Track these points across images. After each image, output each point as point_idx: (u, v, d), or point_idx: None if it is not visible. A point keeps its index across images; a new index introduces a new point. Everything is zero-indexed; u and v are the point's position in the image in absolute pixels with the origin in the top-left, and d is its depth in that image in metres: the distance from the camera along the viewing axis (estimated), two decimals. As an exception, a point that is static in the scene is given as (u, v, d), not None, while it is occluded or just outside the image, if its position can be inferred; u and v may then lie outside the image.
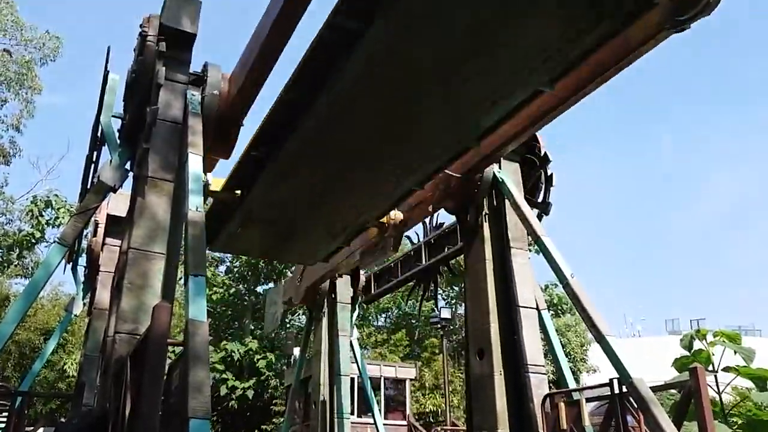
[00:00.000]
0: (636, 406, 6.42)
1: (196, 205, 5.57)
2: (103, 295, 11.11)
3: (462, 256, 9.33)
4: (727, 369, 8.04)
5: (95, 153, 8.67)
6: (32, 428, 12.02)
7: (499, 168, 8.45)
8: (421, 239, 12.26)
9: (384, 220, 10.03)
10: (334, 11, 5.55)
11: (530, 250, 8.64)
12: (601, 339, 6.69)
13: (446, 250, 11.18)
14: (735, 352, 7.89)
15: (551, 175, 8.71)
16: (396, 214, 10.08)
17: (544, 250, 7.43)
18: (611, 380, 6.84)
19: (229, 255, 36.05)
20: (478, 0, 5.22)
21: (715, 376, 8.17)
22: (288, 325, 34.61)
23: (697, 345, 8.22)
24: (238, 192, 8.70)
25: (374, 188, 8.46)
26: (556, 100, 6.66)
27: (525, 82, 6.05)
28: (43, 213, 28.50)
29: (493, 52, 5.69)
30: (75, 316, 12.90)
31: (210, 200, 9.14)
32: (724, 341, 8.00)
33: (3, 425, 9.47)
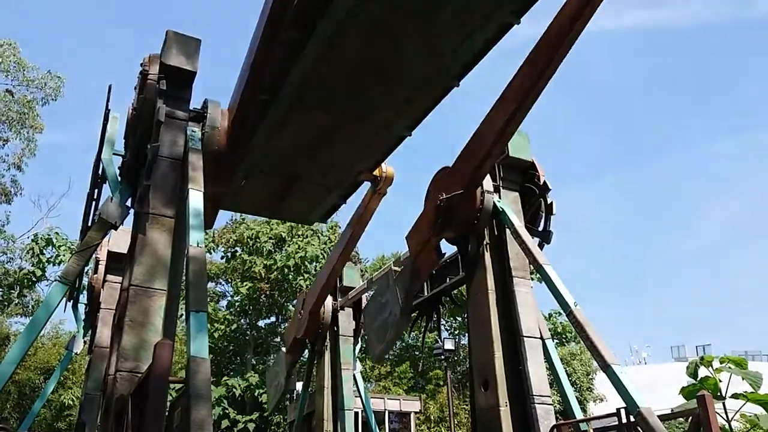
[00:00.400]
0: (644, 435, 6.31)
1: (197, 241, 5.58)
2: (104, 333, 11.04)
3: (464, 286, 9.28)
4: (735, 396, 7.93)
5: (96, 190, 8.73)
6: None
7: (499, 198, 8.47)
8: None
9: (376, 173, 10.23)
10: None
11: (532, 279, 8.60)
12: (606, 368, 6.62)
13: (448, 280, 11.13)
14: (742, 378, 7.79)
15: (551, 203, 8.71)
16: (387, 168, 10.25)
17: (546, 279, 7.39)
18: (618, 410, 6.74)
19: (230, 289, 35.96)
20: None
21: (723, 403, 8.06)
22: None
23: (703, 372, 8.12)
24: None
25: (365, 137, 8.88)
26: (537, 71, 6.82)
27: (492, 17, 6.87)
28: (44, 251, 28.48)
29: None
30: (75, 354, 12.80)
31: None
32: (730, 367, 7.90)
33: None
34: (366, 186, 10.54)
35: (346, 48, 7.14)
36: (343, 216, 34.32)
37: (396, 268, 10.35)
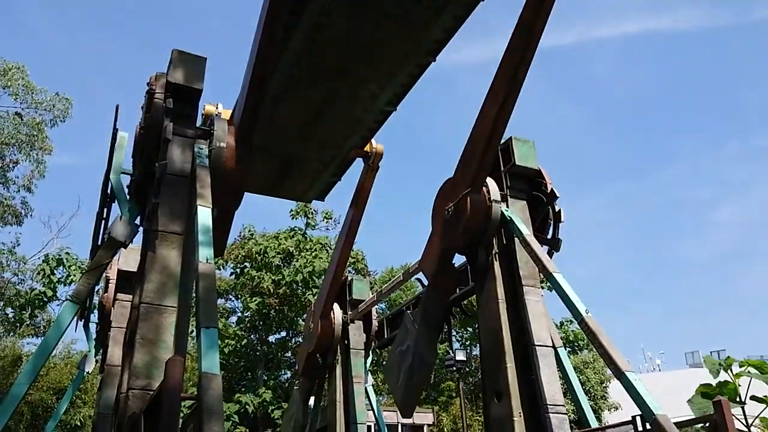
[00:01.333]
0: (661, 443, 6.24)
1: (206, 257, 5.60)
2: (115, 352, 11.05)
3: (474, 296, 9.25)
4: (754, 398, 7.83)
5: (105, 210, 8.78)
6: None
7: (507, 207, 8.45)
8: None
9: (367, 149, 11.14)
10: None
11: (543, 288, 8.56)
12: (620, 376, 6.56)
13: (458, 291, 11.10)
14: (767, 382, 7.69)
15: (559, 211, 8.69)
16: (377, 145, 11.23)
17: (556, 287, 7.35)
18: (634, 417, 6.68)
19: (239, 305, 35.96)
20: None
21: (743, 408, 7.96)
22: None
23: (722, 376, 8.03)
24: None
25: (354, 112, 9.85)
26: (517, 57, 7.20)
27: None
28: (55, 271, 28.63)
29: None
30: (87, 373, 12.80)
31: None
32: (749, 372, 7.82)
33: None
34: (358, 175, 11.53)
35: (332, 27, 8.07)
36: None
37: (408, 312, 10.50)
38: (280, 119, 9.69)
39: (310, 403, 13.95)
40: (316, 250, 32.16)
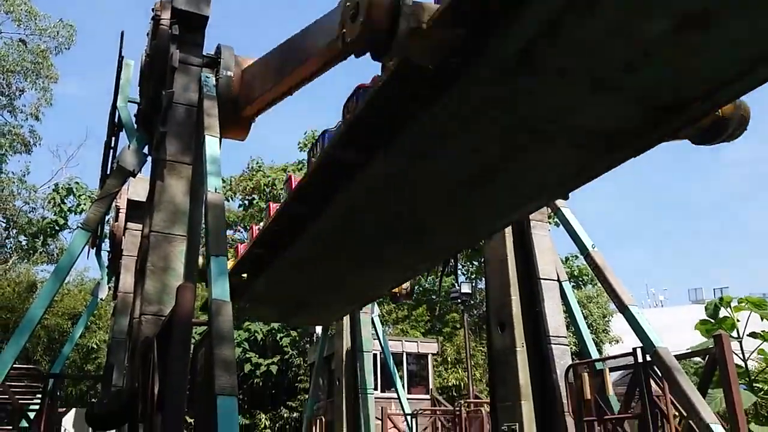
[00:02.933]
0: (660, 374, 6.40)
1: (215, 187, 5.61)
2: (127, 279, 11.27)
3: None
4: (752, 335, 7.97)
5: (113, 139, 8.74)
6: (64, 409, 12.33)
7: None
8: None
9: (396, 290, 11.89)
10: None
11: (550, 222, 8.58)
12: (624, 309, 6.67)
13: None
14: (762, 318, 7.80)
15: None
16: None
17: (564, 222, 7.39)
18: (634, 349, 6.82)
19: (247, 237, 36.33)
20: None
21: (740, 342, 8.11)
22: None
23: (722, 313, 8.14)
24: (245, 276, 9.68)
25: (383, 276, 9.76)
26: None
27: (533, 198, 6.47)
28: (65, 200, 28.87)
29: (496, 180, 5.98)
30: (101, 300, 13.12)
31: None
32: (749, 308, 7.92)
33: (37, 407, 9.72)
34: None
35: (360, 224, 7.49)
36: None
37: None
38: (295, 279, 9.91)
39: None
40: (324, 182, 32.17)
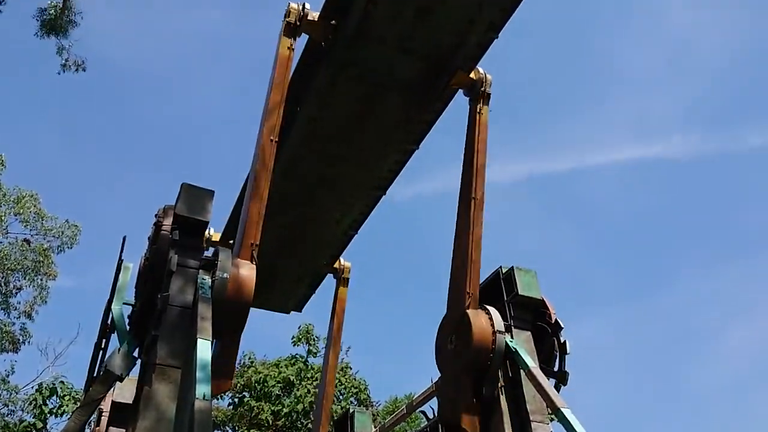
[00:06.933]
0: None
1: (203, 393, 5.45)
2: (103, 492, 10.43)
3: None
4: None
5: (104, 340, 8.65)
6: None
7: (512, 338, 8.33)
8: (431, 417, 11.73)
9: (336, 265, 12.68)
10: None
11: (552, 422, 8.23)
12: None
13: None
14: None
15: (564, 342, 8.54)
16: (345, 263, 12.77)
17: (565, 424, 7.09)
18: None
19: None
20: None
21: None
22: None
23: None
24: (232, 241, 9.90)
25: (323, 235, 11.86)
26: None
27: (397, 145, 10.55)
28: (48, 401, 27.68)
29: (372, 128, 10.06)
30: None
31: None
32: None
33: None
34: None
35: (300, 168, 10.34)
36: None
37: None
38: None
39: None
40: (317, 378, 31.28)
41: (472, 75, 9.34)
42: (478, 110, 9.28)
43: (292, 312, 14.45)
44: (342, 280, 12.72)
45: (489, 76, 9.41)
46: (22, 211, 29.51)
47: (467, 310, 8.25)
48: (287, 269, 12.50)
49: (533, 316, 8.80)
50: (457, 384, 8.27)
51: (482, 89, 9.28)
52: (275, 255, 11.55)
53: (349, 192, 10.93)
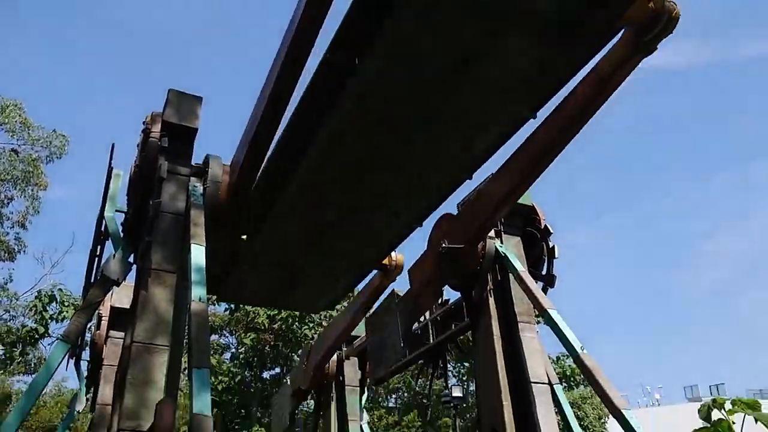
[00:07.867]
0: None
1: (199, 296, 5.57)
2: (107, 390, 10.86)
3: (470, 332, 9.20)
4: (750, 437, 7.76)
5: (99, 247, 8.75)
6: None
7: (501, 242, 8.47)
8: (427, 317, 12.11)
9: (386, 261, 9.83)
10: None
11: (538, 324, 8.53)
12: (617, 415, 6.51)
13: (453, 327, 11.01)
14: (755, 421, 7.63)
15: (553, 247, 8.70)
16: (398, 257, 9.86)
17: (551, 324, 7.34)
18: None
19: (234, 341, 35.60)
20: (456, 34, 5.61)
21: (739, 446, 7.87)
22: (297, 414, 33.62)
23: (716, 414, 7.97)
24: (244, 237, 8.49)
25: (374, 228, 8.50)
26: (541, 146, 6.83)
27: (507, 111, 6.61)
28: (47, 308, 28.36)
29: (475, 83, 6.15)
30: (78, 412, 12.59)
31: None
32: (743, 409, 7.76)
33: None
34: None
35: (350, 145, 6.84)
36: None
37: (399, 291, 10.12)
38: (288, 235, 8.55)
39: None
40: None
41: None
42: None
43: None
44: (388, 278, 10.10)
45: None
46: (6, 120, 28.96)
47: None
48: (322, 268, 9.74)
49: (523, 222, 8.92)
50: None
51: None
52: (307, 253, 9.10)
53: (422, 176, 7.55)
